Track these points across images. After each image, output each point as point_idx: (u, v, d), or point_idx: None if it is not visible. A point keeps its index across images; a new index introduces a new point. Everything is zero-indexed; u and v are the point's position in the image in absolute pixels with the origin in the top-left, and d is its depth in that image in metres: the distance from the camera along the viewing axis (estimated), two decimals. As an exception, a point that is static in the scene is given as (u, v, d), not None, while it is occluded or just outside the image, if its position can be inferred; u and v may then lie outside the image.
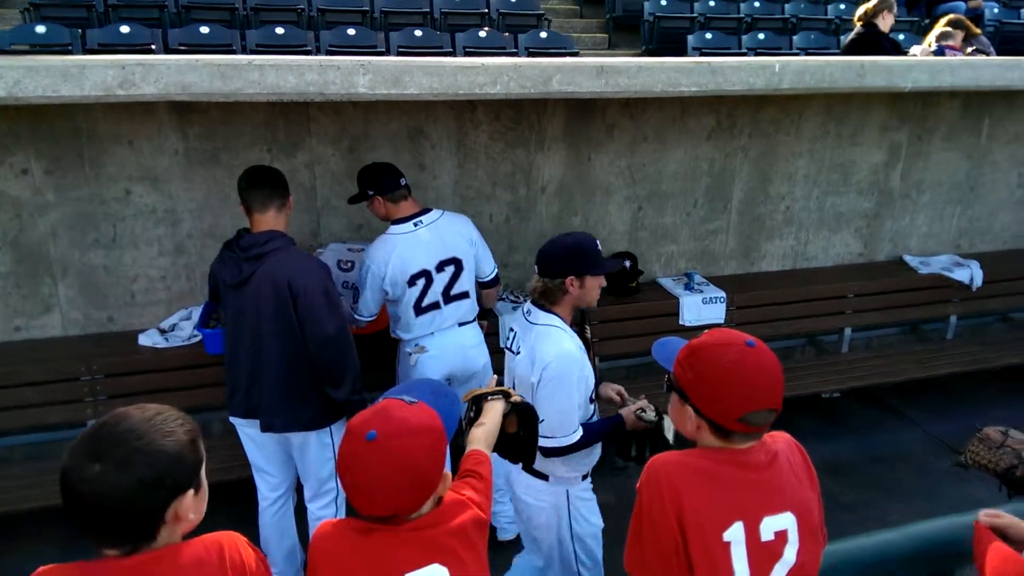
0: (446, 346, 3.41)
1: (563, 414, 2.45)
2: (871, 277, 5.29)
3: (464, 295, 3.42)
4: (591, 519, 2.74)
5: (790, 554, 1.43)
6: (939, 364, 5.12)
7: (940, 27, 6.10)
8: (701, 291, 4.78)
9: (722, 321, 4.79)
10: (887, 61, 3.52)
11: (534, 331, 2.53)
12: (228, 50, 6.30)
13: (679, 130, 4.62)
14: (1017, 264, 5.64)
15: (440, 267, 3.27)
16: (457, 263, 3.33)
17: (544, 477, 2.62)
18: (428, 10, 7.16)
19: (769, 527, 1.42)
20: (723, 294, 4.76)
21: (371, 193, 3.26)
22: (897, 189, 5.39)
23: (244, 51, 6.41)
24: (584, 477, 2.71)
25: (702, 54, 6.52)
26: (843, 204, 5.27)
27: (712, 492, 1.43)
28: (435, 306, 3.35)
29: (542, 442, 2.35)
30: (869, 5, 5.75)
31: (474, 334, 3.54)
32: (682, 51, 6.76)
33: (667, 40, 7.04)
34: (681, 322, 4.71)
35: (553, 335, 2.49)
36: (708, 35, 6.84)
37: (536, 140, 4.37)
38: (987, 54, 5.86)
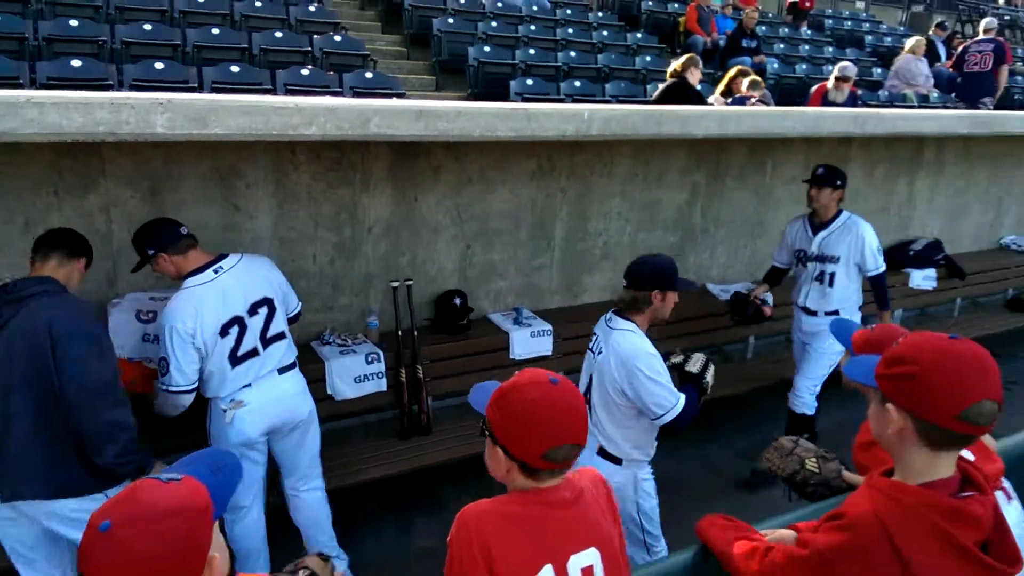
0: (265, 397, 3.22)
1: (663, 387, 2.89)
2: (680, 301, 5.74)
3: (281, 335, 3.28)
4: (653, 495, 3.30)
5: None
6: (741, 382, 5.63)
7: (731, 78, 6.89)
8: (529, 325, 4.93)
9: (549, 353, 4.97)
10: (682, 111, 3.91)
11: (614, 334, 3.02)
12: (13, 83, 5.69)
13: (503, 172, 4.79)
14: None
15: (252, 310, 3.12)
16: (269, 303, 3.19)
17: (618, 461, 3.10)
18: (247, 46, 6.91)
19: (576, 565, 1.47)
20: (550, 327, 4.95)
21: (152, 252, 3.00)
22: (698, 225, 5.92)
23: (34, 85, 5.81)
24: (648, 460, 3.22)
25: (524, 99, 6.84)
26: (652, 239, 5.70)
27: (521, 537, 1.45)
28: (253, 353, 3.17)
29: (663, 420, 2.91)
30: (679, 63, 6.57)
31: (295, 382, 3.39)
32: (506, 95, 7.05)
33: (491, 84, 7.31)
34: (512, 356, 4.83)
35: (629, 336, 2.97)
36: (529, 81, 7.20)
37: (361, 180, 4.33)
38: (767, 104, 6.67)
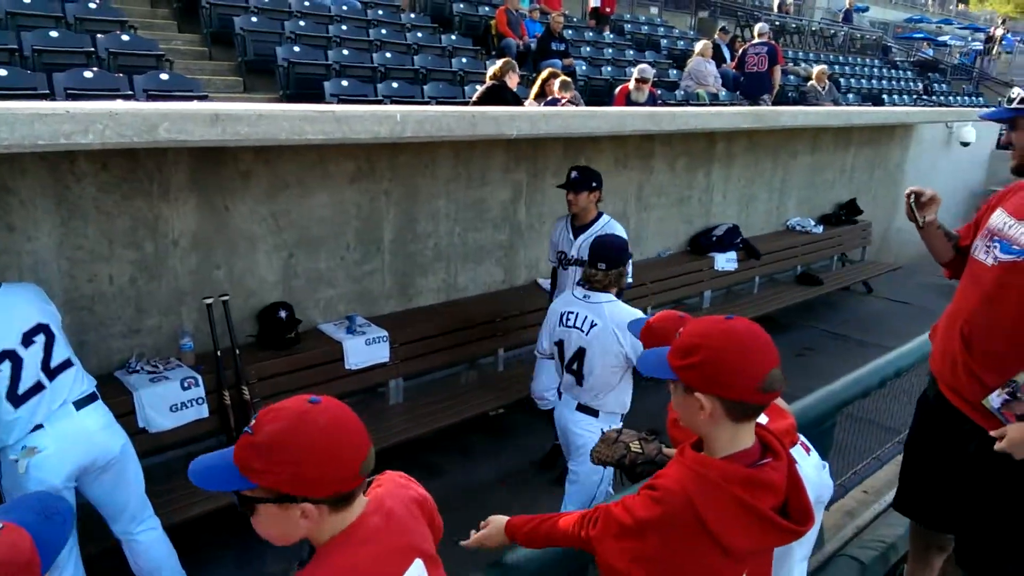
0: (64, 437, 2.79)
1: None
2: (513, 298, 5.87)
3: (68, 363, 2.88)
4: None
5: None
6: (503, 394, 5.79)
7: (544, 80, 7.12)
8: (364, 332, 4.78)
9: (387, 360, 4.86)
10: (495, 112, 3.98)
11: (604, 307, 3.29)
12: None
13: (321, 175, 4.60)
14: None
15: (27, 340, 2.72)
16: (45, 329, 2.80)
17: (595, 413, 3.38)
18: (16, 46, 6.08)
19: None
20: (385, 333, 4.83)
21: None
22: (524, 222, 6.07)
23: None
24: (622, 416, 3.42)
25: (340, 100, 6.63)
26: (482, 238, 5.76)
27: None
28: (37, 388, 2.75)
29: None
30: (497, 67, 6.66)
31: (99, 415, 2.98)
32: (320, 97, 6.79)
33: (304, 86, 7.01)
34: (347, 366, 4.66)
35: (619, 306, 3.29)
36: (344, 82, 6.98)
37: (159, 190, 3.95)
38: (578, 104, 6.99)
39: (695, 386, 1.49)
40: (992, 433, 2.28)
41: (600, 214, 4.57)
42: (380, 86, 7.14)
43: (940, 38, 24.37)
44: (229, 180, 4.22)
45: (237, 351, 4.12)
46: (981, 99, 18.95)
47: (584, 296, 3.37)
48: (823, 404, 2.83)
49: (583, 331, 3.31)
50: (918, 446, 2.76)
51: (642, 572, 1.51)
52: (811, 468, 2.36)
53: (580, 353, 3.33)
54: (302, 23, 8.09)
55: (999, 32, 22.51)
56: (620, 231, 4.38)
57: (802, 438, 2.44)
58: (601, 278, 3.30)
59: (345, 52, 7.71)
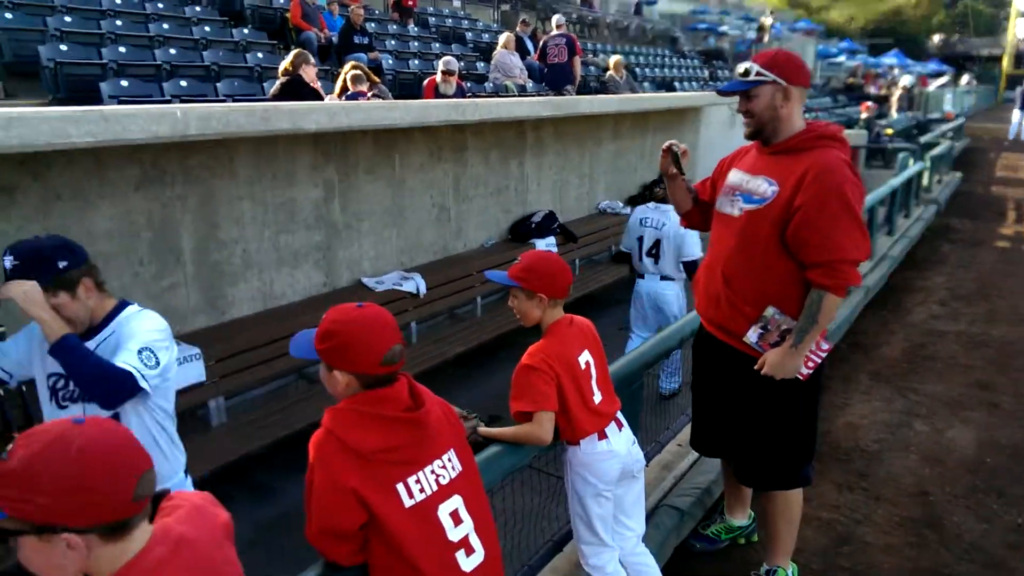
0: None
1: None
2: (337, 303, 5.64)
3: None
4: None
5: None
6: (411, 365, 5.79)
7: (346, 74, 6.91)
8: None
9: (203, 379, 4.50)
10: (288, 106, 3.78)
11: (669, 213, 4.79)
12: None
13: (99, 184, 4.14)
14: (448, 271, 6.75)
15: None
16: None
17: (672, 279, 5.07)
18: None
19: None
20: (198, 350, 4.47)
21: None
22: (340, 221, 5.89)
23: None
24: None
25: (120, 102, 6.00)
26: (296, 241, 5.51)
27: None
28: None
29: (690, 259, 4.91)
30: (288, 60, 6.29)
31: None
32: (98, 99, 6.11)
33: (77, 88, 6.26)
34: (152, 392, 4.26)
35: (673, 210, 3.65)
36: (124, 82, 6.33)
37: None
38: (384, 98, 6.87)
39: (334, 365, 1.77)
40: (756, 367, 2.65)
41: None
42: (167, 85, 6.56)
43: (721, 28, 26.87)
44: (-16, 196, 3.68)
45: (3, 392, 3.61)
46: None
47: (655, 207, 5.15)
48: (630, 366, 3.01)
49: (657, 228, 5.02)
50: (697, 385, 3.13)
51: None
52: (623, 443, 2.58)
53: (657, 243, 5.02)
54: (68, 19, 7.24)
55: (768, 21, 25.24)
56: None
57: (619, 415, 2.61)
58: (661, 193, 4.93)
59: (122, 49, 7.00)
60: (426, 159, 6.63)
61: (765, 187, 2.62)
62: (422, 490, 1.79)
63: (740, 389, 2.79)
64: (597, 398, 2.53)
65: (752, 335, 2.67)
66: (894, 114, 22.31)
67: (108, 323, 2.29)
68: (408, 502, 1.77)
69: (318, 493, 1.72)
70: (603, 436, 2.52)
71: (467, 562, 1.84)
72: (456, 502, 1.86)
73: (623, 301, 8.71)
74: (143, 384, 2.07)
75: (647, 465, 3.47)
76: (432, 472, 1.83)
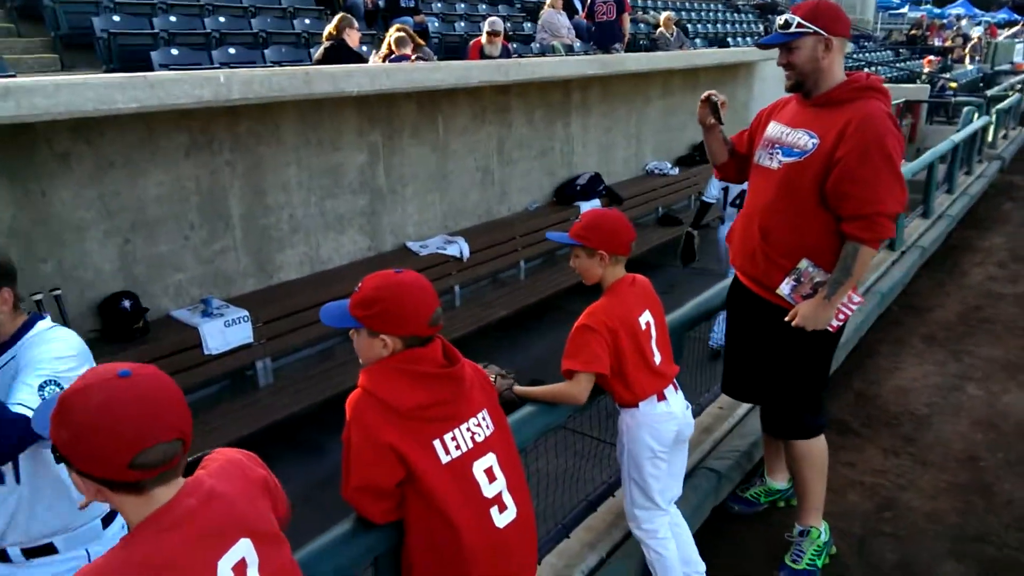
0: None
1: None
2: (382, 267, 5.72)
3: None
4: None
5: (254, 575, 1.33)
6: (454, 328, 5.85)
7: (390, 38, 6.90)
8: (222, 315, 4.55)
9: (251, 340, 4.67)
10: (330, 69, 3.80)
11: None
12: None
13: (151, 151, 4.27)
14: (491, 235, 6.77)
15: None
16: None
17: None
18: None
19: (226, 567, 1.29)
20: (246, 312, 4.63)
21: None
22: (385, 185, 5.94)
23: None
24: None
25: (170, 70, 6.13)
26: (341, 206, 5.59)
27: None
28: None
29: None
30: (332, 24, 6.28)
31: None
32: (149, 69, 6.25)
33: (129, 59, 6.40)
34: (206, 351, 4.44)
35: None
36: (175, 51, 6.46)
37: (-41, 181, 3.55)
38: (428, 60, 6.84)
39: (379, 330, 1.78)
40: (787, 318, 2.66)
41: None
42: (216, 53, 6.66)
43: (776, -20, 25.71)
44: (43, 163, 3.83)
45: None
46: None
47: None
48: (671, 326, 2.97)
49: None
50: (731, 332, 3.14)
51: None
52: (679, 407, 2.58)
53: (742, 193, 4.52)
54: (121, -11, 7.39)
55: (825, -28, 24.05)
56: None
57: (674, 379, 2.60)
58: None
59: (173, 19, 7.14)
60: (469, 121, 6.61)
61: (805, 140, 2.58)
62: (458, 447, 1.82)
63: (770, 339, 2.81)
64: (657, 359, 2.52)
65: (785, 287, 2.68)
66: (968, 66, 21.05)
67: (12, 344, 1.93)
68: (445, 458, 1.79)
69: (356, 449, 1.75)
70: (662, 397, 2.51)
71: (500, 518, 1.87)
72: (490, 459, 1.89)
73: (669, 264, 8.63)
74: (39, 430, 1.45)
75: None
76: (468, 430, 1.86)
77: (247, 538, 1.34)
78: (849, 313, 2.70)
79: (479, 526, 1.83)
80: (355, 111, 5.43)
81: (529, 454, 2.50)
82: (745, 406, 3.79)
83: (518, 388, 2.50)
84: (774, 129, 2.73)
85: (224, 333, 4.52)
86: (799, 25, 2.51)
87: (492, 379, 2.52)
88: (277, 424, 4.48)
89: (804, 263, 2.63)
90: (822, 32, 2.49)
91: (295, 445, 4.52)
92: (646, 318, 2.50)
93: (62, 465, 1.76)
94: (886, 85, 2.79)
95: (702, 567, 2.70)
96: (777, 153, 2.67)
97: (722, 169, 3.09)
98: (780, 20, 2.60)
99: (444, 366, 1.84)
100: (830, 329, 2.68)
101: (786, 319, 2.66)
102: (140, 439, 1.19)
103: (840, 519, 3.24)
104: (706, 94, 2.90)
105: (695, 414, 3.62)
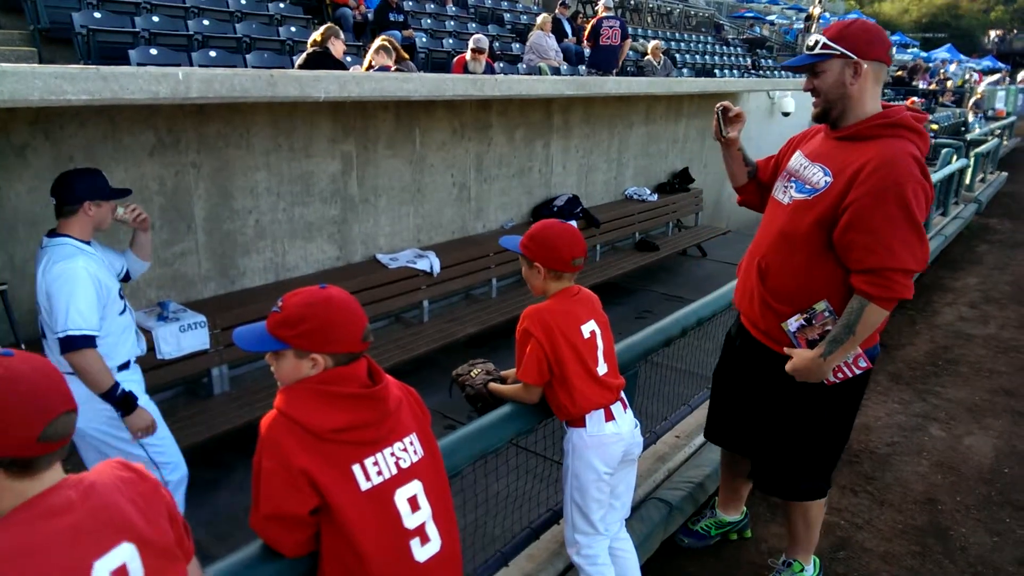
0: None
1: None
2: (350, 277, 5.66)
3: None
4: None
5: None
6: (419, 344, 5.76)
7: (373, 48, 6.87)
8: (178, 319, 4.43)
9: (208, 347, 4.55)
10: (297, 73, 3.75)
11: None
12: None
13: (113, 147, 4.17)
14: (465, 251, 6.70)
15: None
16: None
17: None
18: None
19: (104, 569, 1.22)
20: (203, 318, 4.51)
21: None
22: (357, 195, 5.87)
23: None
24: None
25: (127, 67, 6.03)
26: (311, 213, 5.51)
27: (25, 572, 1.15)
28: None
29: None
30: (319, 32, 6.24)
31: None
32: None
33: (108, 55, 6.33)
34: (160, 356, 4.31)
35: None
36: (153, 51, 6.39)
37: (-94, 168, 3.43)
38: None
39: (308, 348, 1.70)
40: (785, 350, 2.45)
41: None
42: (195, 55, 6.59)
43: (768, 17, 26.22)
44: (1, 156, 3.73)
45: (22, 346, 3.69)
46: (802, 75, 20.60)
47: None
48: (627, 352, 2.91)
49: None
50: (723, 375, 2.96)
51: None
52: (627, 425, 2.51)
53: None
54: (104, -14, 7.31)
55: (816, 11, 24.48)
56: None
57: (623, 396, 2.53)
58: None
59: (156, 19, 7.07)
60: (448, 136, 6.57)
61: (819, 176, 2.35)
62: (380, 473, 1.72)
63: (769, 390, 2.61)
64: (602, 369, 2.45)
65: (792, 324, 2.45)
66: (970, 118, 21.02)
67: None
68: (364, 485, 1.70)
69: (267, 475, 1.65)
70: (610, 417, 2.45)
71: (421, 551, 1.77)
72: (415, 487, 1.79)
73: (644, 289, 8.63)
74: None
75: (640, 455, 3.40)
76: (392, 454, 1.77)
77: (131, 543, 1.27)
78: (849, 374, 2.44)
79: (395, 559, 1.73)
80: (329, 119, 5.38)
81: (476, 472, 2.42)
82: (703, 436, 3.73)
83: (493, 385, 2.54)
84: (796, 160, 2.52)
85: (179, 338, 4.40)
86: (824, 46, 2.28)
87: (476, 371, 2.52)
88: (232, 432, 4.36)
89: (822, 305, 2.38)
90: (850, 55, 2.25)
91: (246, 455, 4.40)
92: (591, 327, 2.45)
93: None
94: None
95: (645, 595, 2.63)
96: (791, 187, 2.46)
97: (741, 192, 2.85)
98: (810, 40, 2.37)
99: (367, 386, 1.75)
100: (825, 383, 2.44)
101: (785, 350, 2.45)
102: (47, 409, 1.19)
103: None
104: (718, 105, 2.68)
105: (651, 442, 3.57)
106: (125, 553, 1.25)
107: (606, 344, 2.50)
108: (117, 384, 2.85)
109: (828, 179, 2.31)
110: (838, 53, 2.27)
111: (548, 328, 2.36)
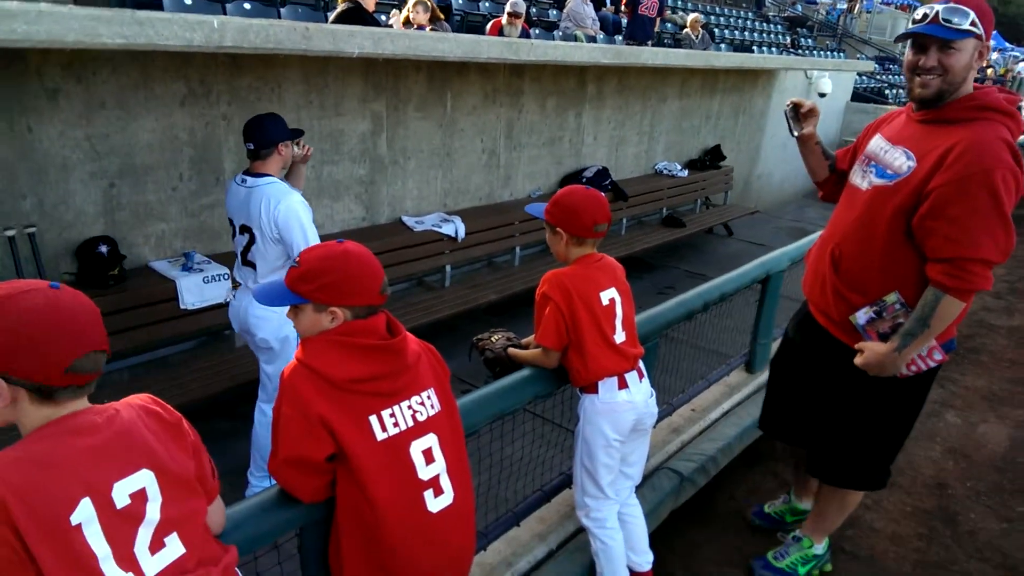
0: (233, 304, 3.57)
1: None
2: (375, 238, 5.68)
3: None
4: None
5: (153, 512, 1.31)
6: (440, 308, 5.79)
7: (409, 5, 6.80)
8: (202, 270, 4.48)
9: (230, 300, 4.59)
10: (333, 27, 3.72)
11: None
12: None
13: (145, 96, 4.19)
14: (491, 218, 6.68)
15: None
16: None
17: None
18: None
19: (123, 491, 1.27)
20: (226, 270, 4.55)
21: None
22: (386, 156, 5.85)
23: None
24: None
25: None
26: (339, 172, 5.51)
27: (47, 481, 1.21)
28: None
29: None
30: None
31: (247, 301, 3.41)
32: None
33: (142, 3, 6.35)
34: (182, 306, 4.37)
35: None
36: (188, 1, 6.40)
37: (-57, 106, 3.48)
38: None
39: (327, 302, 1.73)
40: (856, 345, 2.38)
41: None
42: (229, 6, 6.58)
43: (812, -5, 25.42)
44: (32, 98, 3.77)
45: (52, 288, 3.75)
46: (842, 55, 20.05)
47: None
48: (648, 324, 2.90)
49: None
50: (783, 364, 2.89)
51: None
52: (641, 395, 2.50)
53: None
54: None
55: (862, -8, 23.84)
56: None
57: (641, 365, 2.53)
58: None
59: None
60: (480, 101, 6.51)
61: (902, 161, 2.24)
62: (396, 424, 1.76)
63: (836, 381, 2.55)
64: (620, 337, 2.44)
65: (862, 316, 2.37)
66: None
67: None
68: (380, 435, 1.73)
69: (285, 421, 1.69)
70: (623, 385, 2.44)
71: (435, 503, 1.80)
72: (431, 440, 1.81)
73: (668, 265, 8.56)
74: None
75: (655, 426, 3.39)
76: (409, 407, 1.79)
77: (151, 471, 1.32)
78: (923, 367, 2.37)
79: (408, 508, 1.76)
80: (361, 77, 5.35)
81: (492, 435, 2.44)
82: (719, 410, 3.72)
83: (512, 350, 2.58)
84: (876, 143, 2.41)
85: (202, 289, 4.45)
86: (972, 23, 2.10)
87: (496, 337, 2.55)
88: (252, 383, 4.43)
89: (893, 296, 2.30)
90: (983, 38, 2.12)
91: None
92: (610, 295, 2.44)
93: None
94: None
95: (650, 557, 2.65)
96: (871, 172, 2.36)
97: (822, 187, 2.74)
98: (939, 8, 2.13)
99: (385, 339, 1.78)
100: (897, 376, 2.37)
101: (857, 346, 2.38)
102: (80, 344, 1.25)
103: (800, 535, 3.17)
104: (789, 101, 2.59)
105: (666, 414, 3.56)
106: (145, 478, 1.30)
107: (626, 312, 2.49)
108: None
109: (911, 163, 2.21)
110: (978, 33, 2.12)
111: (567, 292, 2.36)
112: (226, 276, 4.52)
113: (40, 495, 1.18)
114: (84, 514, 1.21)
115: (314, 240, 3.25)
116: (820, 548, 2.94)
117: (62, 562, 1.18)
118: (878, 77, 19.72)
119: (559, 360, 2.46)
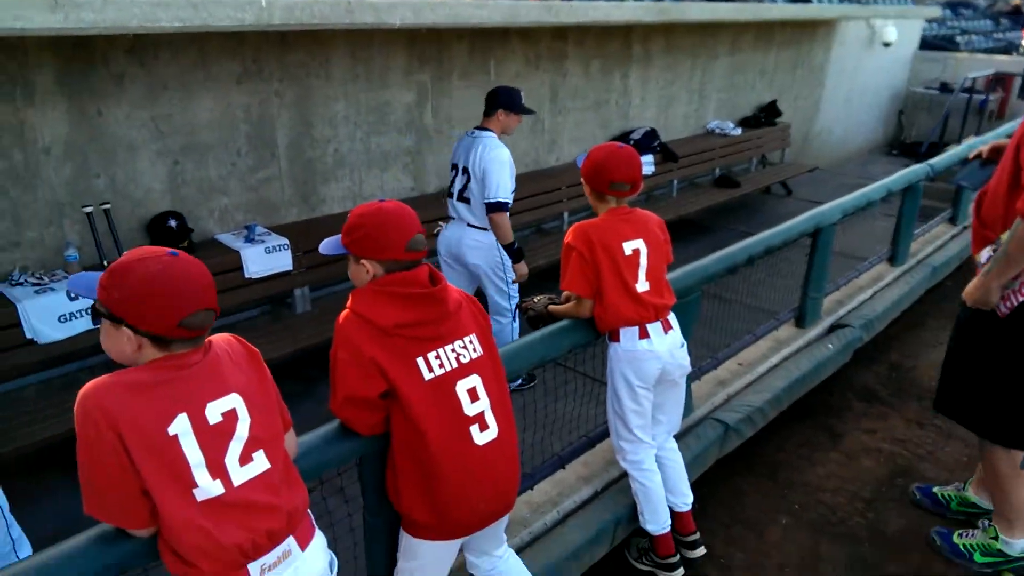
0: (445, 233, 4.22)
1: None
2: (423, 207, 5.77)
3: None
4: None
5: (243, 429, 1.53)
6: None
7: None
8: (263, 241, 4.72)
9: (290, 268, 4.82)
10: (375, 0, 3.82)
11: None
12: None
13: (204, 76, 4.40)
14: (533, 184, 6.72)
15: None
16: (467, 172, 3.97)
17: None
18: None
19: (216, 409, 1.50)
20: (286, 241, 4.77)
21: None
22: (431, 126, 5.96)
23: None
24: None
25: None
26: (386, 143, 5.65)
27: (147, 397, 1.44)
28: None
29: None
30: None
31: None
32: None
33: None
34: (247, 275, 4.61)
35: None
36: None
37: (23, 94, 3.74)
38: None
39: (361, 254, 1.89)
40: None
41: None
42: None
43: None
44: (101, 82, 4.01)
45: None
46: (910, 2, 19.03)
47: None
48: (688, 277, 2.94)
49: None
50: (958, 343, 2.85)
51: None
52: (665, 345, 2.55)
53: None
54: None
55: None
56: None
57: (671, 318, 2.59)
58: None
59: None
60: (522, 67, 6.53)
61: None
62: (441, 365, 1.92)
63: (984, 341, 2.61)
64: (643, 287, 2.50)
65: (984, 254, 2.52)
66: None
67: None
68: (427, 375, 1.89)
69: (342, 364, 1.87)
70: (644, 334, 2.51)
71: (480, 436, 1.96)
72: (474, 381, 1.97)
73: (723, 227, 8.44)
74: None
75: (699, 379, 3.45)
76: (452, 350, 1.95)
77: (239, 395, 1.55)
78: (1015, 302, 2.41)
79: (455, 440, 1.92)
80: (404, 49, 5.45)
81: (545, 389, 2.53)
82: (767, 364, 3.74)
83: (552, 306, 2.72)
84: None
85: (265, 259, 4.68)
86: None
87: (539, 297, 2.74)
88: (314, 348, 4.66)
89: (1007, 235, 2.37)
90: None
91: (326, 369, 4.70)
92: (635, 245, 2.50)
93: None
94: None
95: (689, 499, 2.73)
96: None
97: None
98: None
99: (426, 287, 1.93)
100: (998, 314, 2.45)
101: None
102: (192, 302, 1.47)
103: (849, 482, 3.20)
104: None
105: (711, 368, 3.61)
106: (234, 400, 1.54)
107: (651, 263, 2.53)
108: (515, 241, 3.96)
109: None
110: None
111: (588, 240, 2.45)
112: (286, 247, 4.74)
113: (142, 409, 1.42)
114: (180, 427, 1.45)
115: (505, 185, 3.84)
116: (1012, 548, 2.76)
117: (159, 467, 1.42)
118: (948, 24, 18.66)
119: (591, 309, 2.53)
